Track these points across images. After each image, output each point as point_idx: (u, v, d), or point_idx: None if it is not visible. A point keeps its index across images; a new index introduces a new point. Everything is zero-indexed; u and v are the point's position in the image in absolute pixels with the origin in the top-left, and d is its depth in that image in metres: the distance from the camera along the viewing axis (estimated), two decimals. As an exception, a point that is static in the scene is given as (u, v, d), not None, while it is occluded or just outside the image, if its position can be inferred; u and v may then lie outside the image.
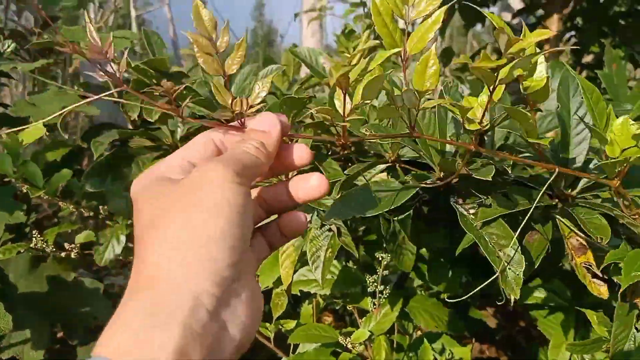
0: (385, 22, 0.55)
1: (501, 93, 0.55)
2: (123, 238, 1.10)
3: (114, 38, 1.21)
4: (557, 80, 1.24)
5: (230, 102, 0.46)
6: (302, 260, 0.92)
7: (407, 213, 0.65)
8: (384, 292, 0.92)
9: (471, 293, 0.61)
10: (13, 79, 1.47)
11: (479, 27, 2.33)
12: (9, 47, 1.62)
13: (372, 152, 0.80)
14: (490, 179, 0.60)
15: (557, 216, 0.69)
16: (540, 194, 0.63)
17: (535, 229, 0.68)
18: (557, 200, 0.70)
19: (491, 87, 0.51)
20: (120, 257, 1.12)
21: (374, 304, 0.94)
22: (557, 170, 0.60)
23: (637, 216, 0.65)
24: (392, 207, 0.62)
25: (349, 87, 0.47)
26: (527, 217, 0.62)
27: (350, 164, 0.90)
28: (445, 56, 2.03)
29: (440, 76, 0.54)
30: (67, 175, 1.05)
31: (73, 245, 1.08)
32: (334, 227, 0.78)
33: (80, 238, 1.09)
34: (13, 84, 2.51)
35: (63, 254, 1.08)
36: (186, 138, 1.13)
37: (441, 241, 0.85)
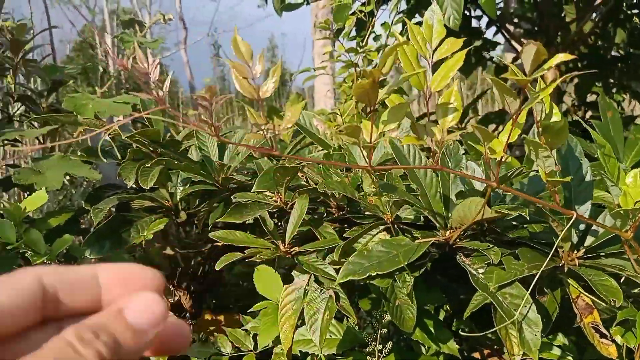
0: (410, 62, 0.56)
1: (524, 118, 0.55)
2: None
3: (115, 103, 1.23)
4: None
5: (262, 121, 0.47)
6: (301, 319, 0.91)
7: (422, 270, 0.63)
8: (384, 350, 0.90)
9: None
10: (20, 142, 1.50)
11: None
12: (17, 110, 1.66)
13: (367, 212, 0.79)
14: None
15: (563, 277, 0.67)
16: (552, 251, 0.62)
17: (545, 291, 0.66)
18: (563, 261, 0.68)
19: (515, 109, 0.50)
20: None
21: (374, 363, 0.93)
22: (574, 215, 0.59)
23: (647, 275, 0.63)
24: (409, 262, 0.61)
25: (376, 104, 0.48)
26: (536, 279, 0.60)
27: (346, 225, 0.89)
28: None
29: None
30: (69, 241, 1.05)
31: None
32: (331, 291, 0.77)
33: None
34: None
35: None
36: (186, 200, 1.13)
37: (439, 299, 0.83)
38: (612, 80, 1.86)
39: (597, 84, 2.01)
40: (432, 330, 0.99)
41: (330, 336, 1.03)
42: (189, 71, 8.69)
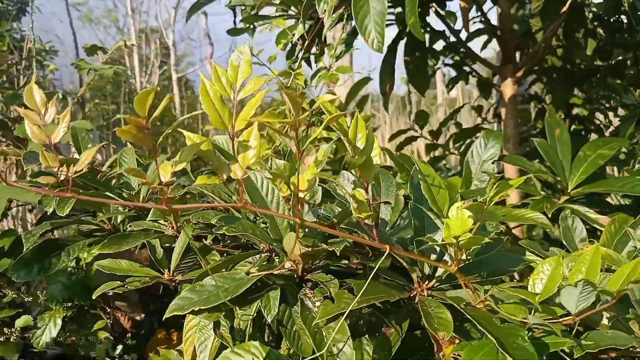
0: (213, 103, 0.57)
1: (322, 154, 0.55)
2: (59, 322, 1.13)
3: (71, 128, 1.28)
4: (493, 148, 1.22)
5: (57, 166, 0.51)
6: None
7: (256, 302, 0.64)
8: None
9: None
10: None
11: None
12: (-7, 136, 1.75)
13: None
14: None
15: (418, 307, 0.67)
16: (367, 281, 0.62)
17: (391, 324, 0.66)
18: (414, 292, 0.67)
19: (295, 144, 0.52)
20: (60, 339, 1.15)
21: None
22: (388, 249, 0.59)
23: (482, 305, 0.62)
24: (233, 297, 0.62)
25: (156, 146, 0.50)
26: (346, 313, 0.60)
27: (242, 251, 0.90)
28: (421, 119, 2.03)
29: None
30: (5, 264, 1.10)
31: (13, 330, 1.12)
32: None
33: (19, 322, 1.13)
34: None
35: (2, 338, 1.11)
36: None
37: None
38: (580, 93, 1.81)
39: (578, 95, 1.96)
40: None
41: (252, 359, 1.05)
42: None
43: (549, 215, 1.13)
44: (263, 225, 0.78)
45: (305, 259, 0.64)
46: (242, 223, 0.67)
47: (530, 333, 0.60)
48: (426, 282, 0.67)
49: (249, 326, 0.95)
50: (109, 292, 1.26)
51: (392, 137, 2.11)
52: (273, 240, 0.68)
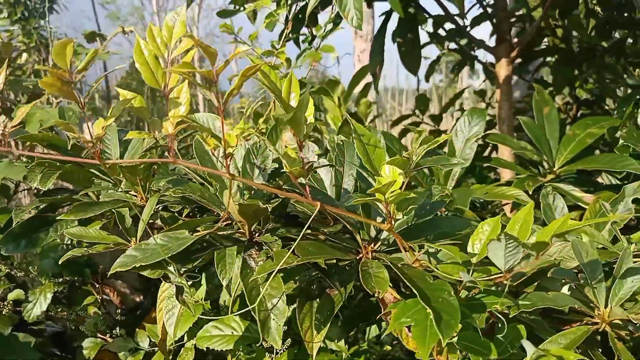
0: (147, 62, 0.58)
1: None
2: (49, 295, 1.17)
3: (59, 109, 1.32)
4: (477, 126, 1.21)
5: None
6: (210, 316, 0.98)
7: (198, 261, 0.66)
8: (283, 346, 0.92)
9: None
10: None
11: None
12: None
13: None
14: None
15: (363, 268, 0.67)
16: (303, 235, 0.62)
17: (334, 285, 0.67)
18: (361, 255, 0.68)
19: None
20: (51, 312, 1.19)
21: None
22: (318, 205, 0.60)
23: (417, 264, 0.62)
24: (174, 254, 0.64)
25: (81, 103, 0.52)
26: (276, 270, 0.61)
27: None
28: (422, 103, 2.01)
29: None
30: (-2, 242, 1.14)
31: (5, 303, 1.16)
32: (173, 286, 0.80)
33: (11, 296, 1.17)
34: None
35: (-5, 311, 1.16)
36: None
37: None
38: (577, 72, 1.76)
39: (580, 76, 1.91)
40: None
41: (232, 332, 1.07)
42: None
43: (530, 193, 1.11)
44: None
45: (248, 219, 0.65)
46: (190, 185, 0.68)
47: (468, 293, 0.60)
48: (372, 245, 0.68)
49: (231, 303, 0.97)
50: (100, 270, 1.31)
51: (395, 123, 2.10)
52: (221, 203, 0.69)
